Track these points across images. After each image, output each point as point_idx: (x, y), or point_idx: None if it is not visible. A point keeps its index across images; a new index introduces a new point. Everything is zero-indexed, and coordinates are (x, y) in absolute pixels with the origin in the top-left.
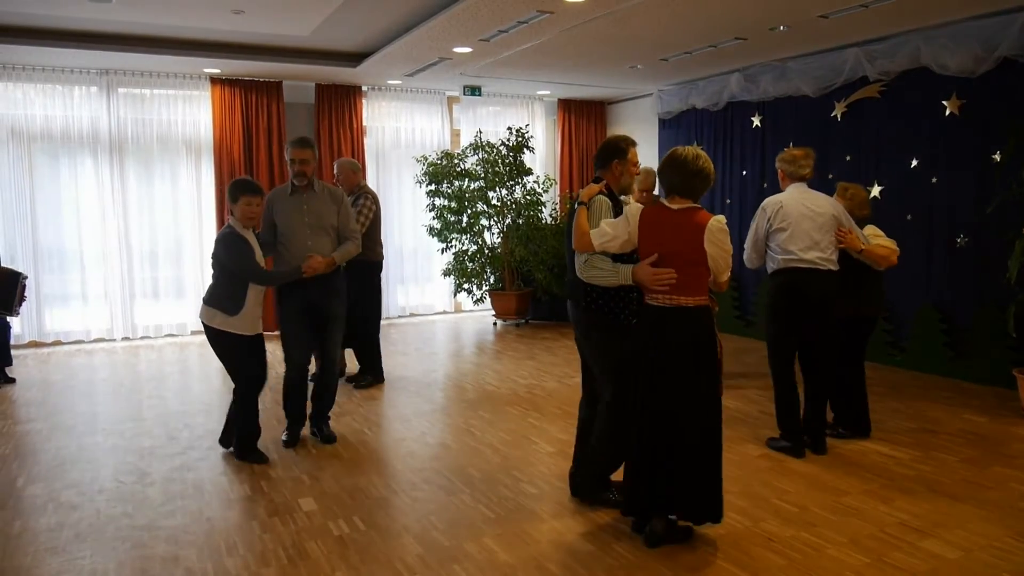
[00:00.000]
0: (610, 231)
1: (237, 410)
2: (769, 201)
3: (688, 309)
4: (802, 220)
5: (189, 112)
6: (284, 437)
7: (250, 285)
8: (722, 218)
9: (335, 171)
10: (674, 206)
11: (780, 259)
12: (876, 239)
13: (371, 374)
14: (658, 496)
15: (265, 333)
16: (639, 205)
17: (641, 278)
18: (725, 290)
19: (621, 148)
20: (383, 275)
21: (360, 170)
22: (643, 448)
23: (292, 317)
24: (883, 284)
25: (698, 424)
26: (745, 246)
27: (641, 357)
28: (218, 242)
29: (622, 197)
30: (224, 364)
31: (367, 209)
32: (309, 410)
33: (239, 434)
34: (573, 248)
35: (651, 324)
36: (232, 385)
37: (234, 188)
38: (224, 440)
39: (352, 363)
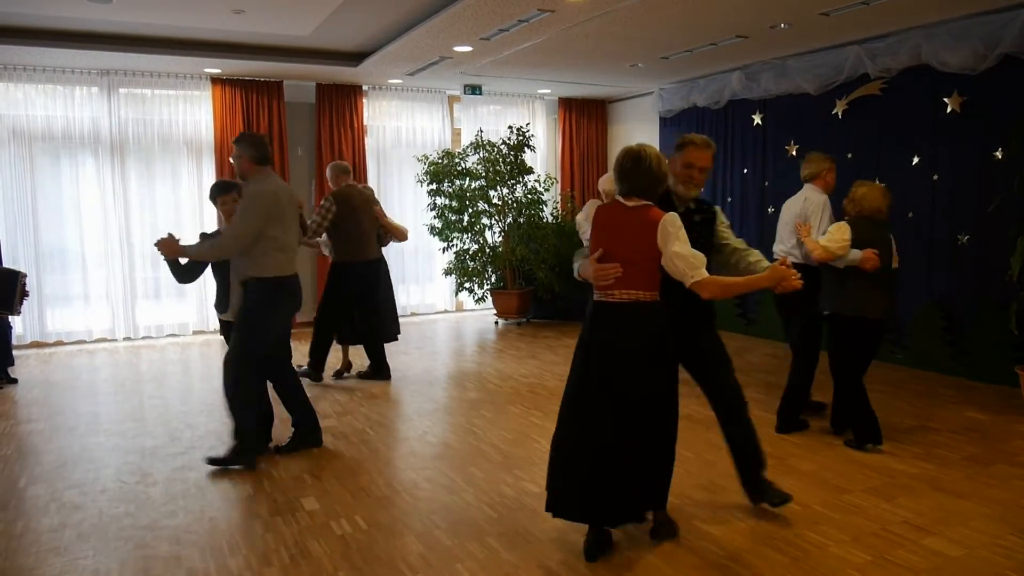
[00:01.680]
0: (583, 225)
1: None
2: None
3: (642, 304)
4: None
5: (190, 112)
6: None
7: (230, 282)
8: (675, 215)
9: (327, 174)
10: (629, 203)
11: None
12: (828, 234)
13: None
14: (616, 501)
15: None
16: (597, 201)
17: (586, 274)
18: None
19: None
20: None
21: (348, 171)
22: (593, 450)
23: (284, 317)
24: (879, 287)
25: (655, 418)
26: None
27: (587, 353)
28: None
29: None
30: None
31: (323, 209)
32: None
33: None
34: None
35: (599, 319)
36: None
37: (211, 191)
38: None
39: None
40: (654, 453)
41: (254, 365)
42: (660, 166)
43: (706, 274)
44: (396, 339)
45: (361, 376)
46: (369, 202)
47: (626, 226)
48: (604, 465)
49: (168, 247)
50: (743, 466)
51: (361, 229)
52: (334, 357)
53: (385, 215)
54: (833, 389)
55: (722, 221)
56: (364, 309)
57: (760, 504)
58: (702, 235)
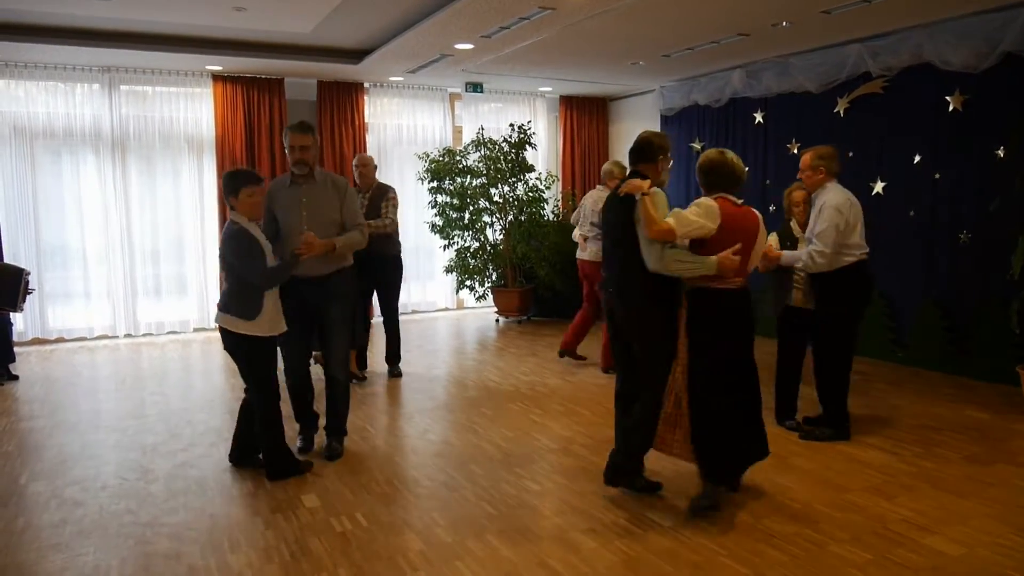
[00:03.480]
0: (699, 220)
1: (260, 423)
2: (842, 201)
3: (747, 291)
4: (859, 216)
5: (191, 109)
6: (299, 443)
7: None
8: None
9: (356, 164)
10: (739, 201)
11: (858, 254)
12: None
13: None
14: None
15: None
16: (710, 199)
17: (727, 266)
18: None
19: (665, 146)
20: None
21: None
22: (739, 418)
23: (289, 318)
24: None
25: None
26: (826, 247)
27: (726, 337)
28: (225, 240)
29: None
30: (247, 372)
31: (396, 200)
32: (322, 416)
33: (270, 451)
34: (648, 239)
35: (727, 308)
36: (233, 390)
37: (232, 180)
38: (235, 456)
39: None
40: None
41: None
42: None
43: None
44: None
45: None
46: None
47: (747, 222)
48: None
49: (324, 246)
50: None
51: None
52: None
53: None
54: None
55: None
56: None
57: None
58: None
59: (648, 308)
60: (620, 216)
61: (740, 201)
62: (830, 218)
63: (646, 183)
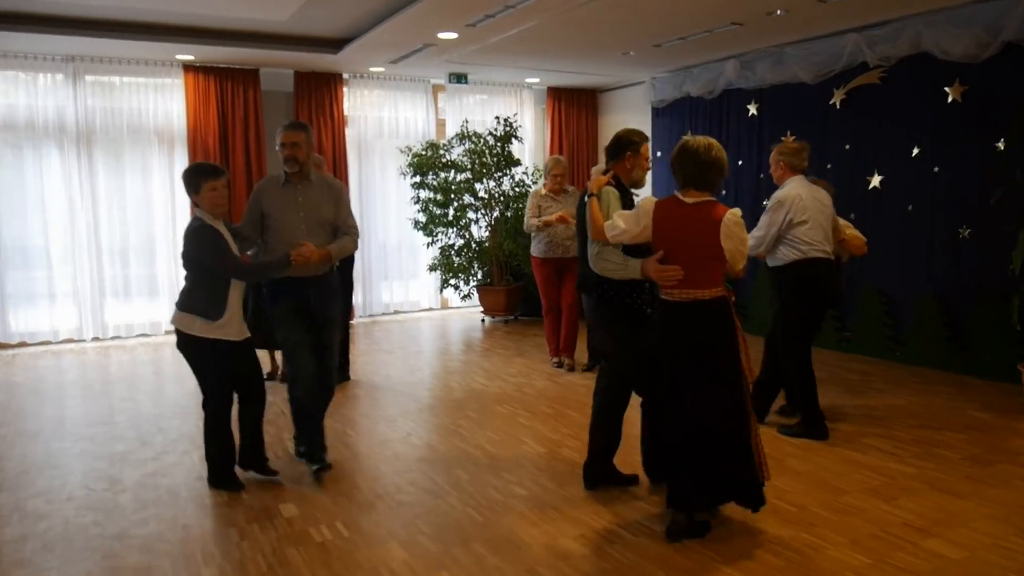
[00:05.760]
0: (622, 225)
1: (212, 429)
2: (787, 195)
3: (704, 302)
4: (817, 212)
5: (161, 101)
6: (302, 449)
7: (232, 284)
8: (737, 211)
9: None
10: (688, 200)
11: (804, 249)
12: (848, 230)
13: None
14: (705, 488)
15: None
16: (652, 199)
17: (649, 273)
18: (742, 276)
19: (634, 141)
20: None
21: (322, 163)
22: (679, 440)
23: (288, 320)
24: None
25: (725, 413)
26: (753, 237)
27: (662, 351)
28: (188, 237)
29: (633, 190)
30: (199, 376)
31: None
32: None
33: (214, 458)
34: (590, 238)
35: (668, 319)
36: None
37: (193, 175)
38: (244, 460)
39: None
40: (730, 444)
41: None
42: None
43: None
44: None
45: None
46: None
47: (689, 224)
48: (708, 450)
49: (321, 256)
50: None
51: None
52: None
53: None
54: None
55: None
56: None
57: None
58: None
59: (602, 304)
60: (580, 215)
61: (705, 199)
62: (770, 207)
63: (602, 180)
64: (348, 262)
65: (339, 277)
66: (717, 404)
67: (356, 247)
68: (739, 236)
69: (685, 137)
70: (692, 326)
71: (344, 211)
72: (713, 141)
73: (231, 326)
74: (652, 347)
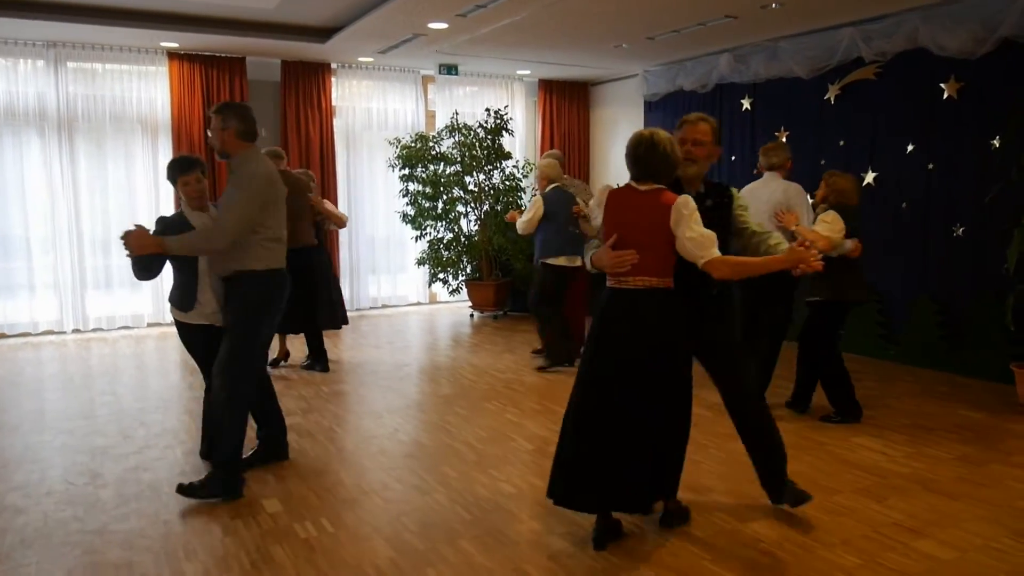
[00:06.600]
0: (595, 211)
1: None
2: (755, 190)
3: (655, 290)
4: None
5: (145, 89)
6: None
7: (199, 276)
8: (688, 197)
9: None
10: (642, 187)
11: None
12: (820, 225)
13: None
14: (638, 489)
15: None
16: (609, 186)
17: (602, 262)
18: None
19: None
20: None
21: (282, 155)
22: (609, 435)
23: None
24: (860, 272)
25: (668, 404)
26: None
27: (605, 338)
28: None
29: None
30: (200, 364)
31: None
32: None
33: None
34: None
35: (613, 306)
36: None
37: (169, 171)
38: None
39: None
40: (667, 440)
41: (255, 373)
42: (675, 150)
43: (717, 253)
44: (339, 327)
45: (303, 367)
46: (303, 189)
47: (640, 211)
48: (620, 451)
49: (140, 241)
50: (759, 463)
51: (289, 216)
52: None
53: (321, 202)
54: (801, 372)
55: (740, 204)
56: (298, 297)
57: (779, 505)
58: (714, 220)
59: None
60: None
61: (654, 187)
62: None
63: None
64: (307, 270)
65: (246, 286)
66: (655, 399)
67: (209, 246)
68: (688, 220)
69: (646, 131)
70: (639, 314)
71: (223, 201)
72: (655, 134)
73: (207, 313)
74: (589, 337)
